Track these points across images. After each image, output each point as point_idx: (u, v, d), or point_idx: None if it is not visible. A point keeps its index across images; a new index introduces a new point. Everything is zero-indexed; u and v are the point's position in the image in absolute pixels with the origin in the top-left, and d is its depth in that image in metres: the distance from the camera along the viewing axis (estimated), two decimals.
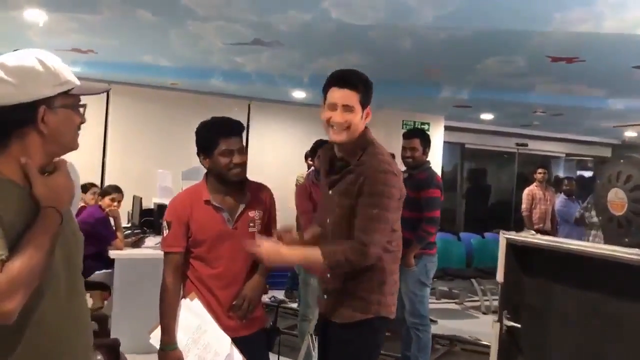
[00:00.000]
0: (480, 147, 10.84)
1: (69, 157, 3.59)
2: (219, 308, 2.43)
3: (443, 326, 6.21)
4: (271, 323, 2.63)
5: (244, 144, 8.86)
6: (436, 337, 5.52)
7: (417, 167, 4.47)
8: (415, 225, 4.26)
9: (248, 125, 8.40)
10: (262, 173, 5.54)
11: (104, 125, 7.76)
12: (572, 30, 4.27)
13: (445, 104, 8.03)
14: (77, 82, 1.48)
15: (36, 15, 4.73)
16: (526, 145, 10.87)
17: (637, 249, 1.50)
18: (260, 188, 2.61)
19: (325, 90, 2.25)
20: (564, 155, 11.44)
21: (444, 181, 9.91)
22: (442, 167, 9.99)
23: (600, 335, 1.66)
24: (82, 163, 7.25)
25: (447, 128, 9.40)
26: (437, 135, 9.19)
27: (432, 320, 6.15)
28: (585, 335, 1.73)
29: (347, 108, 2.18)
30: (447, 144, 9.70)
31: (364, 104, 2.21)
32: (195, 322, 2.37)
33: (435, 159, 9.04)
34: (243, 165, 2.46)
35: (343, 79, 2.20)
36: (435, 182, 4.40)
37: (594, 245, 1.69)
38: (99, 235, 5.06)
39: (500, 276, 2.01)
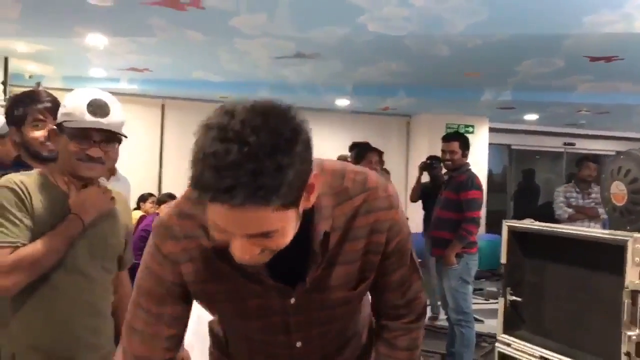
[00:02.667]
0: (527, 147, 10.82)
1: (127, 169, 3.91)
2: None
3: (490, 325, 6.29)
4: None
5: None
6: (483, 335, 5.63)
7: (456, 169, 4.63)
8: (455, 226, 4.44)
9: None
10: None
11: (160, 138, 8.23)
12: (605, 31, 4.36)
13: (488, 106, 8.11)
14: None
15: (97, 40, 5.15)
16: (574, 144, 10.78)
17: (611, 231, 1.71)
18: None
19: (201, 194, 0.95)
20: (615, 152, 11.26)
21: (492, 183, 10.01)
22: (490, 170, 10.04)
23: (585, 305, 1.87)
24: (140, 174, 7.77)
25: (492, 130, 9.43)
26: (482, 137, 9.24)
27: (478, 320, 6.27)
28: (573, 306, 1.95)
29: (262, 235, 0.98)
30: (493, 145, 9.73)
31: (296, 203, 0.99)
32: (195, 313, 2.44)
33: (481, 161, 9.10)
34: None
35: (228, 191, 0.89)
36: (475, 184, 4.54)
37: (578, 229, 1.89)
38: None
39: (503, 258, 2.25)
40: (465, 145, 4.66)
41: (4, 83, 5.82)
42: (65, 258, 1.70)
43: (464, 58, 5.55)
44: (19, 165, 2.21)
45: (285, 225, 0.99)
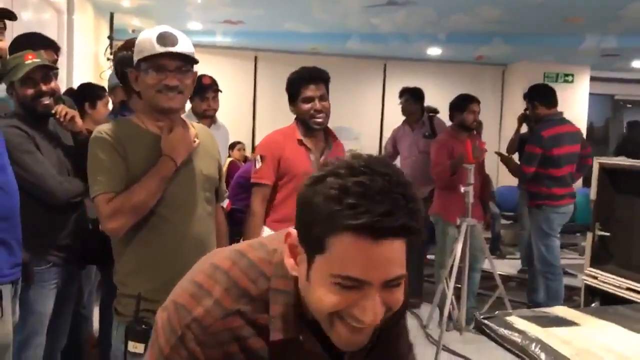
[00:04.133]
0: (633, 97, 10.16)
1: (222, 119, 4.12)
2: None
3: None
4: None
5: (380, 103, 9.03)
6: (575, 289, 5.55)
7: (538, 121, 4.59)
8: (542, 178, 4.43)
9: (384, 85, 8.66)
10: None
11: (253, 90, 8.46)
12: None
13: (590, 53, 7.67)
14: None
15: None
16: None
17: None
18: (339, 141, 2.75)
19: None
20: None
21: (593, 136, 9.52)
22: (591, 122, 9.54)
23: None
24: (235, 124, 8.10)
25: (594, 79, 8.94)
26: (582, 87, 8.81)
27: (571, 274, 6.15)
28: None
29: (396, 282, 1.00)
30: (595, 96, 9.23)
31: None
32: None
33: (581, 112, 8.71)
34: (324, 111, 2.57)
35: (388, 214, 0.92)
36: (535, 138, 4.50)
37: None
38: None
39: (593, 194, 2.27)
40: (537, 98, 4.59)
41: (110, 38, 6.17)
42: (167, 195, 1.82)
43: (565, 2, 5.26)
44: (124, 109, 2.41)
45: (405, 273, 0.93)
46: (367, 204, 0.85)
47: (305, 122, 2.61)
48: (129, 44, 2.22)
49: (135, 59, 1.84)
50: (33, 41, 2.66)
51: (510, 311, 1.45)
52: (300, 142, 2.62)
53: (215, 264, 1.02)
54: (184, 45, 1.81)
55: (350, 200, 0.85)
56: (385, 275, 0.89)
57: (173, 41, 1.78)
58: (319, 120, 2.57)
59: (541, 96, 4.61)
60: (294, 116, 2.74)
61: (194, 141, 1.93)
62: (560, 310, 1.51)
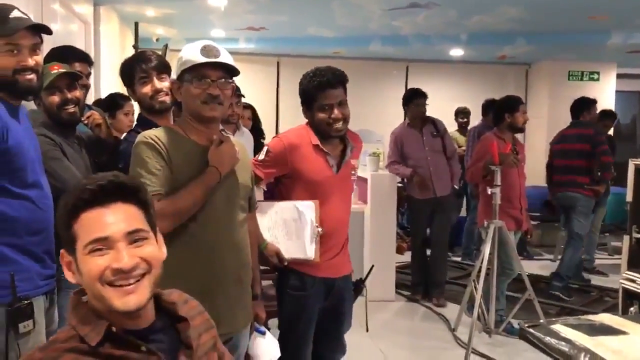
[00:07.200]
0: None
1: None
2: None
3: (614, 280, 6.07)
4: (362, 278, 2.66)
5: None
6: (606, 290, 5.49)
7: None
8: None
9: (407, 87, 8.62)
10: None
11: (276, 94, 8.51)
12: None
13: (616, 51, 7.56)
14: None
15: (218, 1, 5.38)
16: None
17: None
18: (356, 137, 2.56)
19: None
20: None
21: (620, 133, 9.38)
22: (618, 119, 9.38)
23: None
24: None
25: (620, 76, 8.81)
26: (609, 84, 8.68)
27: (602, 273, 6.07)
28: None
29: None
30: (621, 93, 9.10)
31: None
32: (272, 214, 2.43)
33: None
34: (344, 119, 2.35)
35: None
36: None
37: None
38: None
39: (629, 196, 2.26)
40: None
41: (135, 47, 6.24)
42: (207, 203, 1.87)
43: (589, 0, 5.21)
44: (140, 120, 2.43)
45: None
46: (90, 183, 1.14)
47: (321, 131, 2.38)
48: (132, 58, 2.40)
49: (179, 70, 1.91)
50: (66, 54, 2.69)
51: (554, 319, 1.43)
52: (316, 147, 2.39)
53: None
54: (225, 57, 1.90)
55: (78, 189, 1.14)
56: (124, 228, 1.13)
57: (216, 53, 1.87)
58: (338, 127, 2.34)
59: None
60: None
61: (237, 152, 2.00)
62: (606, 318, 1.49)
